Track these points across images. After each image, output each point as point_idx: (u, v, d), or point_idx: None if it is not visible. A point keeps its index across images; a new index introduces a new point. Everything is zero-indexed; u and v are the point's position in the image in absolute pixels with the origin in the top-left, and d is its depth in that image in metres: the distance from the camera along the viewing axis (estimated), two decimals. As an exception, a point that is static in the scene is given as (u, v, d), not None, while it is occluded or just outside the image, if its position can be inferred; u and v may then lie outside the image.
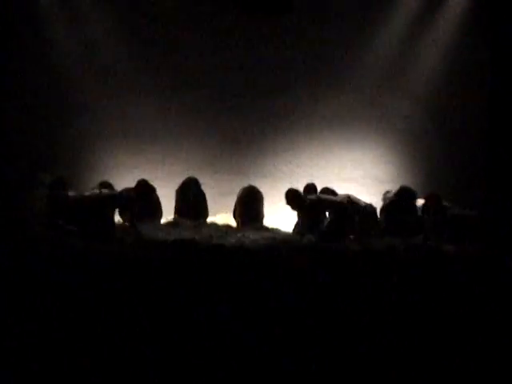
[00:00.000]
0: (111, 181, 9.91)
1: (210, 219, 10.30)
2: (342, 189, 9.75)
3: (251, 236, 8.56)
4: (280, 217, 9.61)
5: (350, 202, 8.88)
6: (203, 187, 9.72)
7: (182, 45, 11.17)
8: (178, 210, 9.61)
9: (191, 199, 9.65)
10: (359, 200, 9.10)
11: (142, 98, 11.26)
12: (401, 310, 4.82)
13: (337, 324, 4.58)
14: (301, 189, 9.46)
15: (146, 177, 9.80)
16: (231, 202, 9.65)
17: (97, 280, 5.70)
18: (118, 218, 8.87)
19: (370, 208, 9.14)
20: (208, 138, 11.19)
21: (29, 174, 10.03)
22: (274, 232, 9.02)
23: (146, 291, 5.04)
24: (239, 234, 8.68)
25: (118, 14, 11.19)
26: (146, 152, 11.09)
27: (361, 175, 10.81)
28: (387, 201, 9.02)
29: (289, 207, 9.02)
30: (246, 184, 9.96)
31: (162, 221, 9.51)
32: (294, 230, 9.00)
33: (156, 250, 7.03)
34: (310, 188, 9.71)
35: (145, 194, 9.03)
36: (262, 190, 9.74)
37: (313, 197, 9.05)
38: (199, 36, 11.09)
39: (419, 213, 8.90)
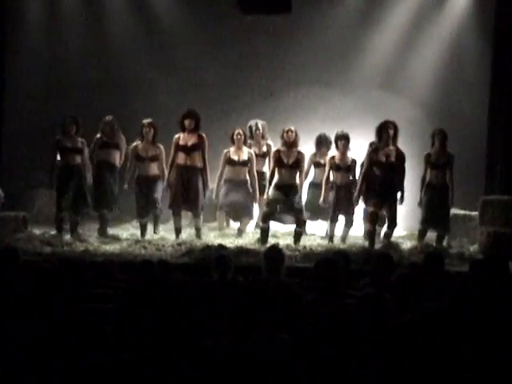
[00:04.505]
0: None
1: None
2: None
3: None
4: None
5: None
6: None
7: (182, 45, 11.19)
8: None
9: None
10: None
11: (139, 99, 11.29)
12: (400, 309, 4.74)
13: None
14: None
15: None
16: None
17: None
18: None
19: None
20: (208, 139, 11.16)
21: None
22: None
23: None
24: None
25: (121, 14, 11.27)
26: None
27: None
28: None
29: None
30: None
31: None
32: None
33: None
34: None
35: None
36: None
37: None
38: (199, 37, 11.09)
39: None
